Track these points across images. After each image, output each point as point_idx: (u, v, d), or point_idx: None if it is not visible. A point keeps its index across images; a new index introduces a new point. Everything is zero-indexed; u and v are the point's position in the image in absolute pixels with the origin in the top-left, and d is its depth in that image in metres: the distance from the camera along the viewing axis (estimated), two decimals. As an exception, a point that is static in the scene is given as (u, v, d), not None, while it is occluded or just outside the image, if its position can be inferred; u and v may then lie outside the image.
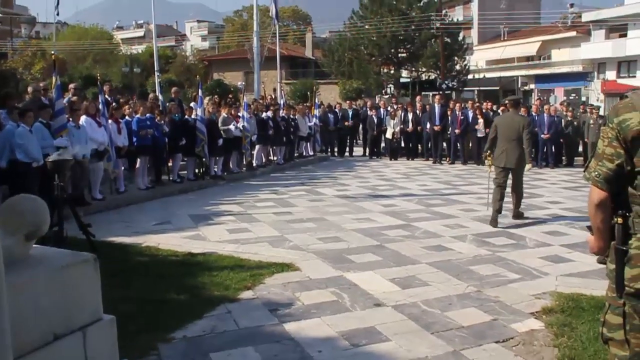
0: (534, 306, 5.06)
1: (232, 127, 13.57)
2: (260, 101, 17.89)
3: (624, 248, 2.37)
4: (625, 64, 36.93)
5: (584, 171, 2.54)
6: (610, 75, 37.49)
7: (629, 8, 36.16)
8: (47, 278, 2.01)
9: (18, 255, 2.24)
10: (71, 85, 13.68)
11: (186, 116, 12.84)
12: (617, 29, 37.79)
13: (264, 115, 15.57)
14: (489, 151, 9.04)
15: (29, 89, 11.16)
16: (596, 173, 2.41)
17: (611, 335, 2.50)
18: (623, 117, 2.35)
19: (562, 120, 16.82)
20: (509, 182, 8.78)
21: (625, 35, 36.92)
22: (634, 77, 35.73)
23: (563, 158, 17.05)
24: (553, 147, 16.91)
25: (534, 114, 16.67)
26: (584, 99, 36.00)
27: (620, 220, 2.39)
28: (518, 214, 9.00)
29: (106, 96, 11.28)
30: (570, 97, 36.04)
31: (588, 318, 4.59)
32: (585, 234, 2.63)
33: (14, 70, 34.38)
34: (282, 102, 19.09)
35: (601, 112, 16.71)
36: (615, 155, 2.36)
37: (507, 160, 8.52)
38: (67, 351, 2.06)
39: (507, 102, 9.49)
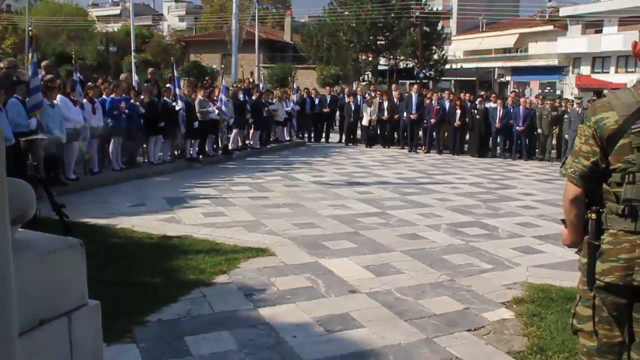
0: (505, 296, 5.15)
1: (212, 109, 13.48)
2: (239, 85, 17.71)
3: (597, 243, 2.44)
4: (599, 60, 37.55)
5: (561, 167, 2.60)
6: (585, 70, 38.12)
7: (604, 5, 36.69)
8: (34, 263, 1.99)
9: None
10: (43, 63, 13.33)
11: (164, 98, 12.68)
12: (593, 24, 38.36)
13: (240, 97, 15.43)
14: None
15: (2, 64, 10.88)
16: (572, 169, 2.47)
17: (581, 326, 2.58)
18: (600, 116, 2.40)
19: (537, 113, 16.88)
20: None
21: (600, 32, 37.49)
22: (608, 72, 36.40)
23: (537, 150, 17.20)
24: (527, 140, 17.08)
25: (509, 106, 16.78)
26: (558, 92, 36.51)
27: (594, 215, 2.45)
28: None
29: (79, 75, 11.05)
30: (545, 91, 36.51)
31: (557, 308, 4.70)
32: (557, 226, 2.71)
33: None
34: (261, 86, 18.99)
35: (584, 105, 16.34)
36: (591, 153, 2.42)
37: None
38: (52, 335, 2.05)
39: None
